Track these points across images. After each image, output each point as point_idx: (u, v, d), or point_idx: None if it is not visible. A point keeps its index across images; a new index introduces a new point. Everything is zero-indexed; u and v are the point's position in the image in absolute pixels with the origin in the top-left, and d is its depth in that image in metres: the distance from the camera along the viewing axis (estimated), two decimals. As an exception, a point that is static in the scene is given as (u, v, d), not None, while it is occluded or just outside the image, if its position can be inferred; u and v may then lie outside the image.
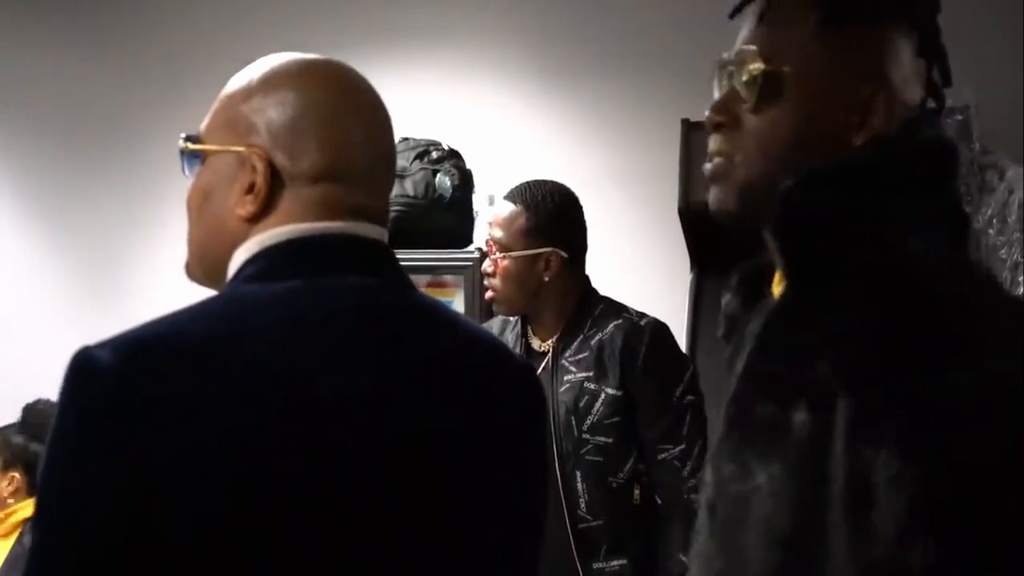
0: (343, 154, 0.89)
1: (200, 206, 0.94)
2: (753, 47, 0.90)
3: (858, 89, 0.87)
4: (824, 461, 0.76)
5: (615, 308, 1.94)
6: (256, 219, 0.89)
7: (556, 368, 1.89)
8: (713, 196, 0.94)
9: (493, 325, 2.09)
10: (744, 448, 0.84)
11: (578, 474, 1.83)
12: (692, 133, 2.56)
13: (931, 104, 0.94)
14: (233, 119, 0.92)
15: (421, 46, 3.37)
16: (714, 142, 0.94)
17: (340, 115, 0.91)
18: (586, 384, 1.86)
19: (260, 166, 0.88)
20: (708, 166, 0.94)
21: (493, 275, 1.94)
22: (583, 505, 1.83)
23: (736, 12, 0.95)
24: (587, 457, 1.83)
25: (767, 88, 0.89)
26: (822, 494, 0.76)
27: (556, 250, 1.90)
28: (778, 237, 0.88)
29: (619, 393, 1.83)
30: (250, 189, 0.88)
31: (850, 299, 0.81)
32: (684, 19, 3.00)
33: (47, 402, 2.80)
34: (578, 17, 3.19)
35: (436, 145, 2.96)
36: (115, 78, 3.75)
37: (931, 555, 0.69)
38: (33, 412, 2.68)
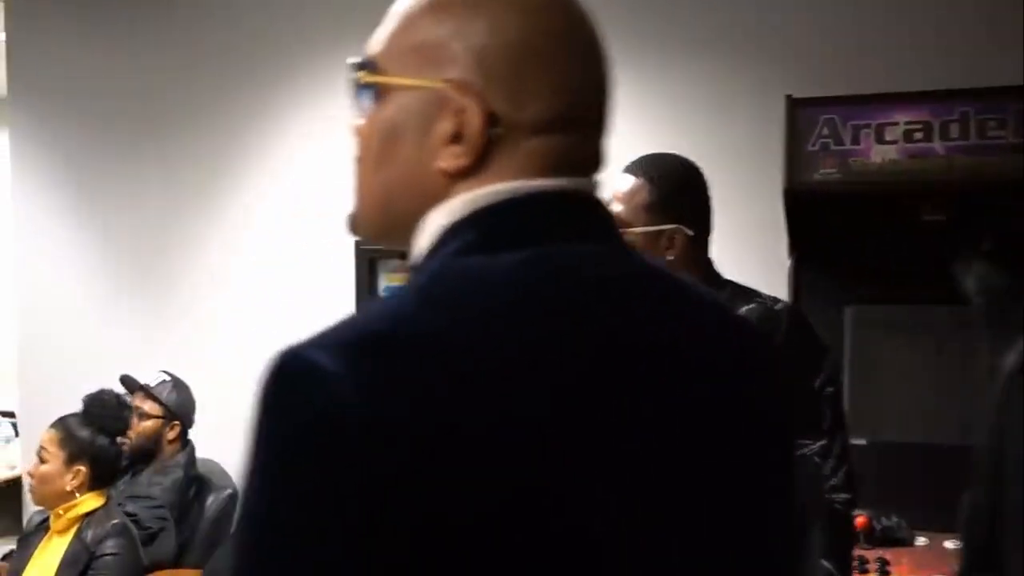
0: (577, 97, 0.73)
1: (383, 150, 0.76)
2: None
3: None
4: None
5: (744, 292, 1.80)
6: (463, 174, 0.73)
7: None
8: None
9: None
10: None
11: None
12: (797, 110, 2.41)
13: None
14: (424, 44, 0.74)
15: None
16: None
17: (572, 47, 0.74)
18: None
19: (475, 112, 0.71)
20: None
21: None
22: None
23: None
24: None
25: None
26: None
27: (681, 227, 1.76)
28: None
29: None
30: (455, 138, 0.72)
31: None
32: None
33: (111, 392, 2.68)
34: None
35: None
36: (161, 70, 3.64)
37: None
38: (97, 402, 2.55)
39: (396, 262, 2.74)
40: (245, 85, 3.49)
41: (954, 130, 2.36)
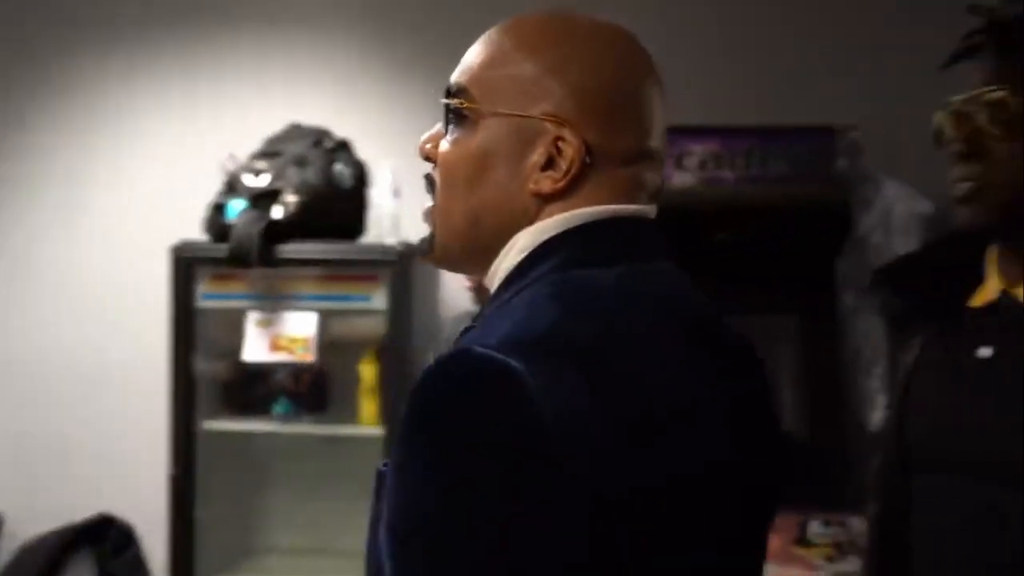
0: (652, 132, 0.84)
1: (477, 174, 0.83)
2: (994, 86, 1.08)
3: None
4: None
5: None
6: (555, 197, 0.81)
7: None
8: (965, 214, 1.19)
9: (454, 323, 2.06)
10: None
11: None
12: None
13: None
14: (520, 77, 0.82)
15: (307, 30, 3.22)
16: (963, 169, 1.17)
17: (651, 89, 0.84)
18: None
19: (573, 143, 0.79)
20: (961, 187, 1.18)
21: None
22: None
23: (956, 60, 1.19)
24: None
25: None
26: None
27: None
28: None
29: None
30: (548, 164, 0.80)
31: None
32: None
33: None
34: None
35: (327, 134, 2.86)
36: None
37: None
38: None
39: (212, 269, 2.67)
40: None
41: (740, 162, 2.69)
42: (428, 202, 0.90)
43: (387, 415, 2.53)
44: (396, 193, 2.77)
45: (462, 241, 0.86)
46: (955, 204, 1.23)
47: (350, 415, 2.66)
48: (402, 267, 2.52)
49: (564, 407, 0.68)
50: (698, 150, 2.65)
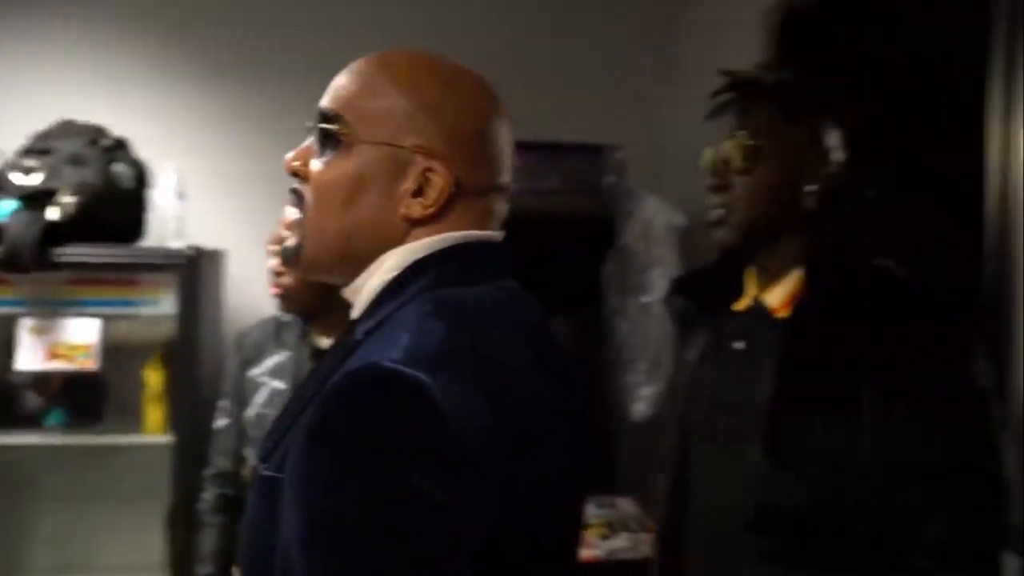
0: (504, 169, 0.96)
1: (352, 196, 0.91)
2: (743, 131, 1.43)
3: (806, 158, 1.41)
4: None
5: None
6: (422, 222, 0.91)
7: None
8: (717, 236, 1.49)
9: (260, 328, 2.09)
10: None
11: None
12: None
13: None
14: (394, 111, 0.90)
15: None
16: (716, 198, 1.48)
17: (507, 132, 0.96)
18: None
19: (444, 175, 0.90)
20: (712, 213, 1.48)
21: (283, 274, 1.96)
22: None
23: (713, 115, 1.51)
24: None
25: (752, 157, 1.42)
26: None
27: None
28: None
29: None
30: (418, 192, 0.90)
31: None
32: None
33: None
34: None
35: (102, 132, 2.77)
36: None
37: None
38: None
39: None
40: None
41: (519, 175, 2.88)
42: (292, 213, 0.98)
43: (175, 422, 2.49)
44: (181, 196, 2.72)
45: (332, 255, 0.94)
46: (710, 227, 1.49)
47: (133, 424, 2.58)
48: (191, 271, 2.50)
49: (465, 417, 0.77)
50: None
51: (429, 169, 0.90)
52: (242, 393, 2.05)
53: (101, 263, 2.46)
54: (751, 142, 1.43)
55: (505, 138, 0.97)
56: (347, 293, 0.98)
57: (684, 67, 3.28)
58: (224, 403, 2.10)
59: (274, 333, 2.07)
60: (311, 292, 1.96)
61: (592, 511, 2.65)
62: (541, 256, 2.88)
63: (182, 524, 2.30)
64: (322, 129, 0.93)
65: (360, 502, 0.73)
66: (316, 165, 0.94)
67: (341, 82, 0.94)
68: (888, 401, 1.28)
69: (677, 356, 1.71)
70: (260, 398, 2.01)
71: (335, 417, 0.76)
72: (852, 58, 2.32)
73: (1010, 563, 1.29)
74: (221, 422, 2.09)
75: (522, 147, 2.85)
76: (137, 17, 3.08)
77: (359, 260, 0.93)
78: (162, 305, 2.50)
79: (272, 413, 1.98)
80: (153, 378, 2.58)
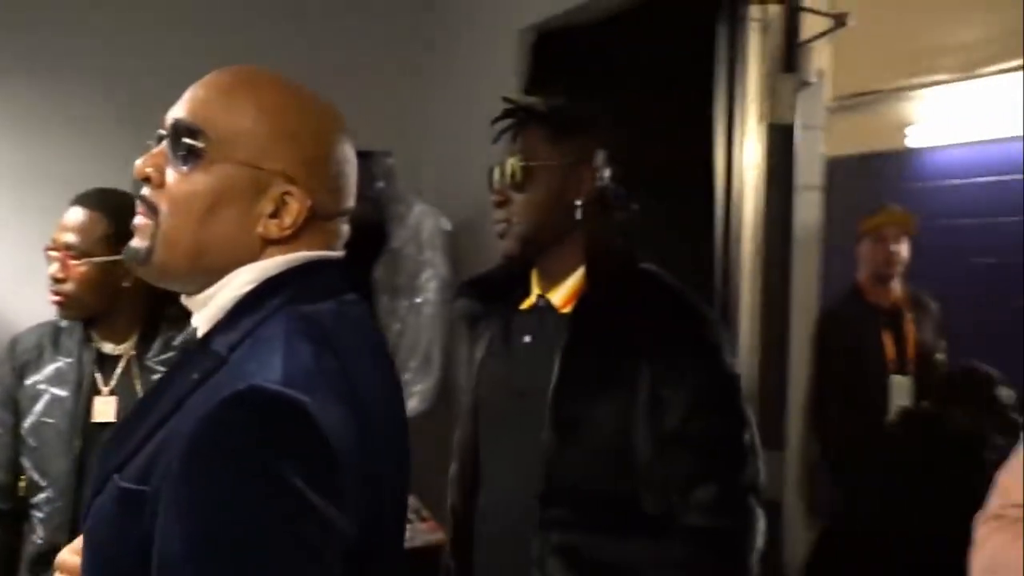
0: (351, 193, 1.03)
1: (209, 210, 0.94)
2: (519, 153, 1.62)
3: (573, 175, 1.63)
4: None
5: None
6: (277, 242, 0.95)
7: (142, 369, 1.96)
8: (503, 246, 1.66)
9: (35, 333, 2.02)
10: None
11: None
12: None
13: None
14: (254, 133, 0.94)
15: None
16: (499, 213, 1.64)
17: (352, 156, 1.03)
18: None
19: (301, 199, 0.95)
20: (496, 227, 1.66)
21: (64, 280, 1.91)
22: None
23: (497, 139, 1.68)
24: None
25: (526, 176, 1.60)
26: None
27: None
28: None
29: None
30: (275, 213, 0.94)
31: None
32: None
33: None
34: None
35: None
36: None
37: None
38: None
39: None
40: None
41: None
42: (139, 218, 0.98)
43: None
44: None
45: (184, 265, 0.96)
46: (497, 237, 1.66)
47: None
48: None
49: (338, 433, 0.84)
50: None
51: (287, 193, 0.95)
52: (16, 402, 1.96)
53: None
54: (524, 163, 1.62)
55: (352, 165, 1.03)
56: (191, 303, 1.01)
57: (432, 75, 3.46)
58: (-6, 414, 2.00)
59: (51, 339, 2.00)
60: (95, 298, 1.92)
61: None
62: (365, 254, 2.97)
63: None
64: (183, 142, 0.94)
65: (250, 514, 0.78)
66: (172, 175, 0.96)
67: (200, 95, 0.97)
68: (658, 383, 1.51)
69: (467, 353, 1.86)
70: (39, 406, 1.94)
71: (222, 436, 0.80)
72: (604, 78, 2.58)
73: (760, 515, 1.56)
74: (-8, 434, 1.99)
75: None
76: None
77: (211, 272, 0.96)
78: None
79: (53, 421, 1.92)
80: None
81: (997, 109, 3.18)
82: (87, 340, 1.97)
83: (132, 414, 0.99)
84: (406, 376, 3.13)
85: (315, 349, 0.89)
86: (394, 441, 0.98)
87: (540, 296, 1.70)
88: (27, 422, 1.94)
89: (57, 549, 1.88)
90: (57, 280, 1.92)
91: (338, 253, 1.02)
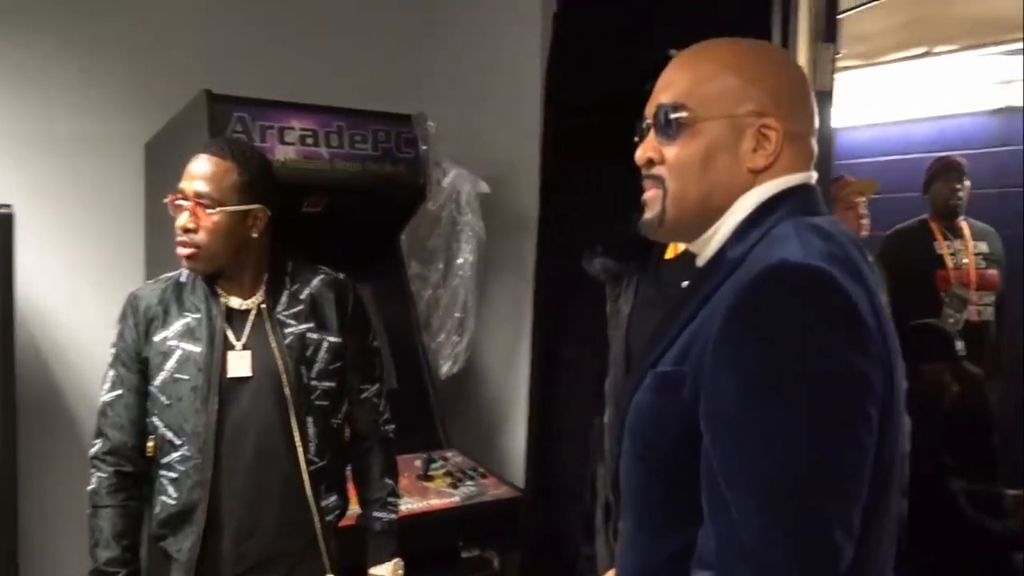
0: (815, 113, 1.16)
1: (704, 164, 1.10)
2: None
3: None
4: None
5: (306, 264, 2.04)
6: (763, 171, 1.10)
7: (274, 323, 1.93)
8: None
9: (155, 291, 1.94)
10: None
11: (309, 420, 1.92)
12: (214, 105, 2.57)
13: None
14: (727, 89, 1.10)
15: None
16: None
17: (807, 83, 1.17)
18: (308, 334, 1.94)
19: (777, 129, 1.09)
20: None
21: (196, 230, 1.86)
22: (313, 449, 1.92)
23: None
24: (316, 403, 1.93)
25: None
26: None
27: (264, 207, 1.92)
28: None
29: (339, 340, 1.98)
30: (756, 148, 1.09)
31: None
32: None
33: None
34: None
35: None
36: None
37: None
38: None
39: None
40: None
41: (333, 139, 2.87)
42: (648, 192, 1.16)
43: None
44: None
45: (694, 213, 1.13)
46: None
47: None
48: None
49: (862, 305, 0.96)
50: (298, 126, 2.76)
51: (764, 126, 1.10)
52: (145, 360, 1.89)
53: None
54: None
55: (808, 84, 1.17)
56: (695, 246, 1.17)
57: (458, 37, 3.46)
58: (114, 372, 1.91)
59: (174, 294, 1.93)
60: (226, 249, 1.87)
61: (432, 465, 2.75)
62: (349, 221, 2.91)
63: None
64: (672, 119, 1.12)
65: (794, 355, 0.92)
66: (669, 149, 1.13)
67: (670, 78, 1.15)
68: None
69: (611, 307, 1.91)
70: (170, 363, 1.87)
71: (760, 298, 0.94)
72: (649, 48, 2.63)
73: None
74: (112, 393, 1.90)
75: (336, 112, 2.90)
76: None
77: (714, 214, 1.12)
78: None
79: (187, 378, 1.86)
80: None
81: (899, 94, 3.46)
82: (214, 295, 1.92)
83: (660, 325, 1.15)
84: (440, 338, 3.13)
85: (824, 243, 1.01)
86: (892, 338, 1.06)
87: (686, 249, 1.76)
88: (158, 379, 1.88)
89: (192, 510, 1.86)
90: (187, 230, 1.85)
91: (814, 174, 1.15)
